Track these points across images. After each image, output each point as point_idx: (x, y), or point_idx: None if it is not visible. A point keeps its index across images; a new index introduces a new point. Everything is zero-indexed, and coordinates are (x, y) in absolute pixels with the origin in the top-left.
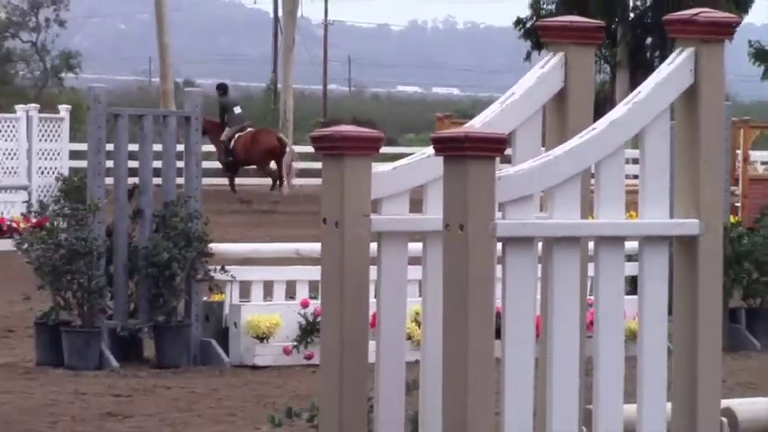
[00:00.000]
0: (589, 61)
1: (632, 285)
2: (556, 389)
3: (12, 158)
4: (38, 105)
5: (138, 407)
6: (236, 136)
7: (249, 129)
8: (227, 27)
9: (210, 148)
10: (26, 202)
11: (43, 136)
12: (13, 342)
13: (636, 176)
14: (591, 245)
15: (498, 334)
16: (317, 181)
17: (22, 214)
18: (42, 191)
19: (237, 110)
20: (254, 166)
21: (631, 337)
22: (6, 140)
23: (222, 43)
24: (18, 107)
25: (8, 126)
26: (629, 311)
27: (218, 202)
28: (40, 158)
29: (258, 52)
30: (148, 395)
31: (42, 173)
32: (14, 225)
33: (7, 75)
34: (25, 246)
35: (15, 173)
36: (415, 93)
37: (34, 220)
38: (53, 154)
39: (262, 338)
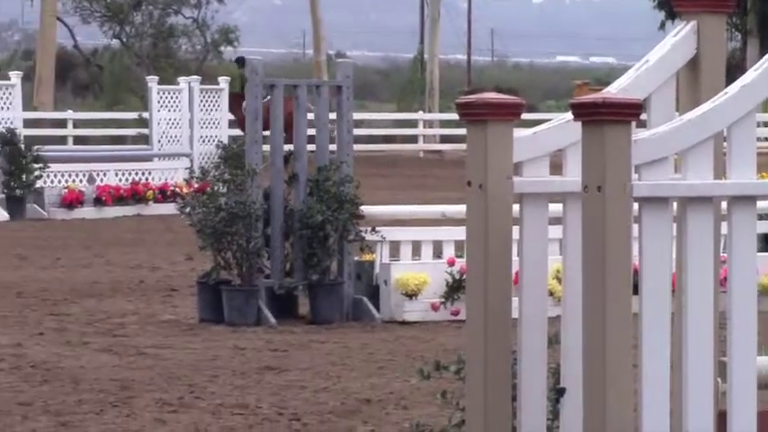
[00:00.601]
0: (721, 29)
1: (764, 242)
2: (691, 342)
3: (175, 127)
4: (199, 77)
5: (294, 361)
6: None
7: (269, 97)
8: (376, 1)
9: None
10: (188, 168)
11: (204, 106)
12: (176, 300)
13: (767, 139)
14: (724, 204)
15: (636, 290)
16: (462, 146)
17: (184, 180)
18: (203, 158)
19: None
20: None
21: (763, 292)
22: (170, 111)
23: (371, 16)
24: (180, 79)
25: (171, 97)
26: (762, 268)
27: (369, 166)
28: (201, 127)
29: (405, 24)
30: (304, 350)
31: (203, 141)
32: (177, 190)
33: (170, 49)
34: (188, 209)
35: (178, 141)
36: (554, 61)
37: (196, 186)
38: (213, 123)
39: (411, 295)
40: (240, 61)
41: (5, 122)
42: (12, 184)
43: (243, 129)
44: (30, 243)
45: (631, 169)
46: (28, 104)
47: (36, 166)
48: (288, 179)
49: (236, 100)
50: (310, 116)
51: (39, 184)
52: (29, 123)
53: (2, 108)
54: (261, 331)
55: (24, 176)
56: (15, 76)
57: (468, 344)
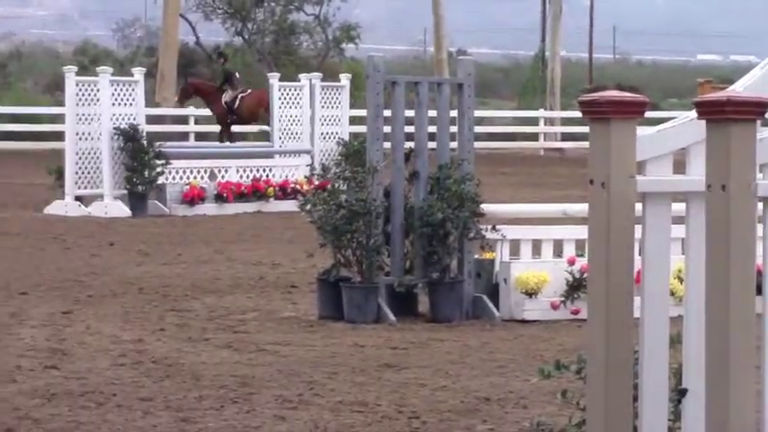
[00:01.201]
0: None
1: None
2: None
3: (296, 124)
4: (320, 74)
5: (414, 358)
6: (240, 97)
7: (249, 90)
8: None
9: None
10: (309, 165)
11: (325, 103)
12: (296, 297)
13: None
14: None
15: (759, 290)
16: (583, 144)
17: (305, 177)
18: (324, 155)
19: (237, 75)
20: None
21: None
22: (291, 107)
23: (492, 13)
24: (302, 76)
25: (293, 94)
26: None
27: (489, 164)
28: (322, 124)
29: (526, 22)
30: (423, 347)
31: (324, 138)
32: (298, 187)
33: (292, 46)
34: (308, 206)
35: (299, 138)
36: (677, 59)
37: (317, 183)
38: (334, 120)
39: (530, 294)
40: (223, 56)
41: (128, 119)
42: (134, 180)
43: (221, 123)
44: (151, 239)
45: (756, 168)
46: (150, 101)
47: (158, 162)
48: (408, 176)
49: (211, 91)
50: (432, 113)
51: (160, 180)
52: (151, 120)
53: (125, 104)
54: (380, 328)
55: (146, 173)
56: (138, 73)
57: (589, 343)
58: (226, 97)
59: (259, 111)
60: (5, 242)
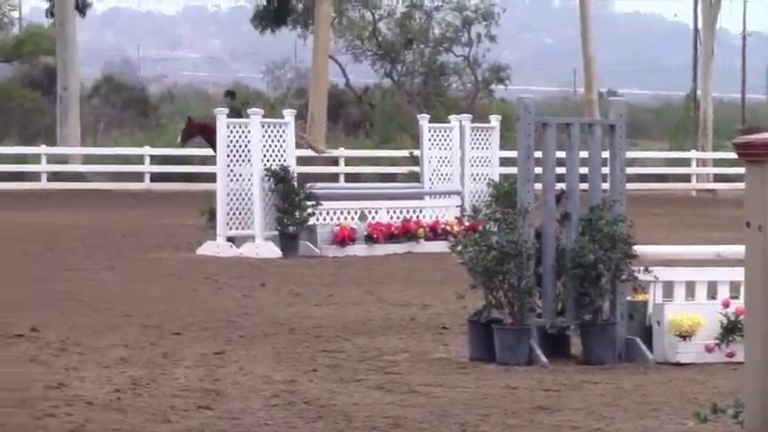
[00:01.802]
0: None
1: None
2: None
3: (446, 165)
4: (470, 115)
5: (567, 401)
6: None
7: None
8: (649, 38)
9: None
10: (459, 206)
11: (475, 144)
12: (447, 338)
13: None
14: None
15: None
16: (736, 186)
17: (456, 218)
18: (474, 196)
19: (243, 114)
20: None
21: None
22: (441, 149)
23: (643, 54)
24: (452, 117)
25: (443, 135)
26: None
27: (641, 205)
28: (472, 165)
29: (678, 62)
30: (576, 390)
31: (474, 179)
32: (448, 228)
33: (441, 87)
34: (459, 247)
35: (449, 179)
36: None
37: (467, 224)
38: (484, 161)
39: (684, 336)
40: (230, 94)
41: (279, 160)
42: (285, 221)
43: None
44: (302, 280)
45: None
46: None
47: (309, 203)
48: (560, 218)
49: (200, 128)
50: (583, 154)
51: (311, 221)
52: (301, 161)
53: (275, 146)
54: (533, 370)
55: (297, 214)
56: (288, 114)
57: (747, 386)
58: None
59: None
60: (159, 283)
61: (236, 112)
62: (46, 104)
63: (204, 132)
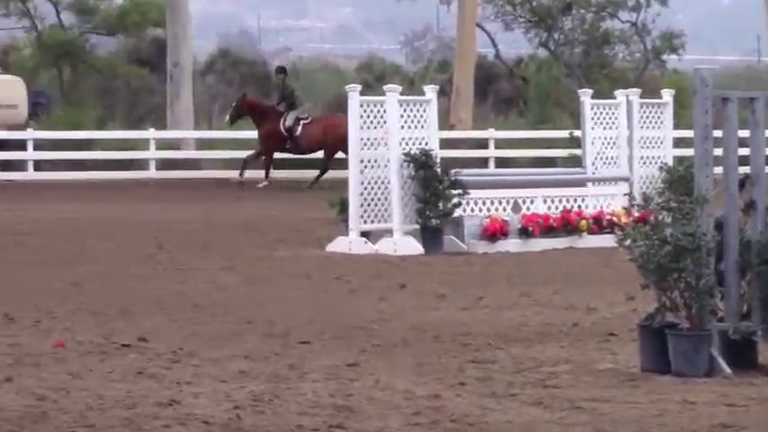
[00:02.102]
0: None
1: None
2: None
3: (611, 147)
4: (638, 90)
5: (755, 418)
6: (302, 123)
7: (309, 117)
8: None
9: None
10: (627, 194)
11: (645, 122)
12: (614, 346)
13: None
14: None
15: None
16: None
17: (623, 208)
18: (644, 182)
19: (296, 93)
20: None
21: None
22: (605, 128)
23: None
24: (617, 92)
25: (607, 113)
26: None
27: None
28: (641, 147)
29: None
30: (765, 405)
31: (644, 162)
32: (615, 219)
33: (605, 58)
34: (628, 242)
35: (615, 163)
36: None
37: (636, 214)
38: (656, 142)
39: None
40: (283, 70)
41: (419, 143)
42: (427, 213)
43: (269, 147)
44: (447, 280)
45: None
46: (444, 122)
47: (454, 192)
48: (744, 207)
49: (268, 111)
50: None
51: (457, 213)
52: (445, 144)
53: (416, 127)
54: (713, 383)
55: (441, 204)
56: (430, 91)
57: None
58: (288, 121)
59: (324, 141)
60: (285, 284)
61: (290, 92)
62: (155, 82)
63: (254, 112)
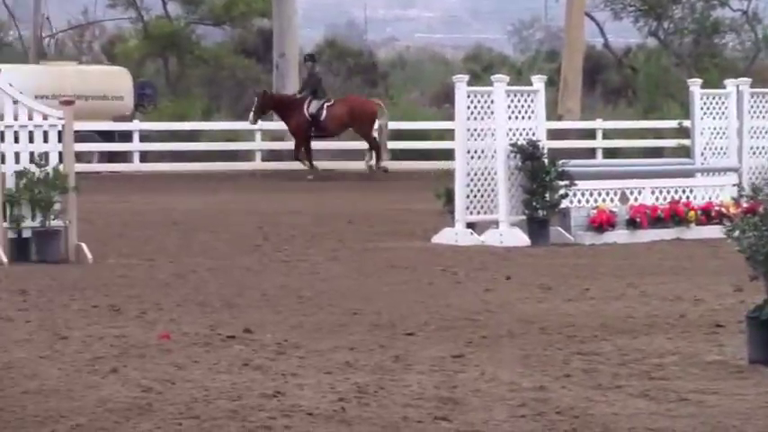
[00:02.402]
0: None
1: None
2: None
3: (720, 137)
4: (749, 79)
5: None
6: (325, 107)
7: (332, 100)
8: None
9: None
10: (737, 185)
11: (755, 113)
12: (722, 338)
13: None
14: None
15: None
16: None
17: (732, 198)
18: (754, 173)
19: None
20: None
21: None
22: (715, 119)
23: None
24: (727, 82)
25: (716, 102)
26: None
27: None
28: (751, 137)
29: None
30: None
31: (754, 153)
32: (724, 210)
33: (715, 47)
34: (736, 233)
35: (725, 153)
36: None
37: (745, 205)
38: (765, 132)
39: None
40: (313, 58)
41: (527, 134)
42: (534, 204)
43: (300, 137)
44: (554, 271)
45: None
46: (552, 113)
47: (561, 183)
48: None
49: (290, 103)
50: None
51: (564, 204)
52: (553, 134)
53: (523, 117)
54: None
55: (548, 195)
56: (538, 81)
57: None
58: (311, 108)
59: (351, 121)
60: (390, 276)
61: (317, 80)
62: (261, 73)
63: (278, 106)
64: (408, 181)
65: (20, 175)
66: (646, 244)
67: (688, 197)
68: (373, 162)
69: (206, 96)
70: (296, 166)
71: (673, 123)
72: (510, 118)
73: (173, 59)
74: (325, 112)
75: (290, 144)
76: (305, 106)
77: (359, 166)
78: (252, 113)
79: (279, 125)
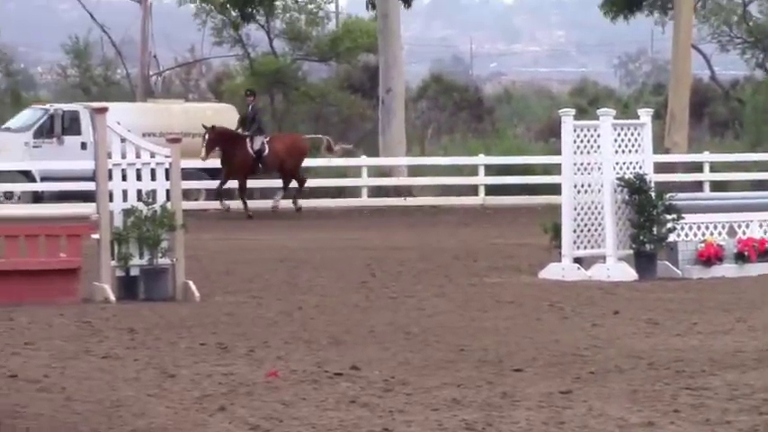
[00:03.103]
0: None
1: None
2: None
3: None
4: None
5: None
6: (266, 143)
7: (267, 136)
8: None
9: None
10: None
11: None
12: None
13: None
14: None
15: None
16: None
17: None
18: None
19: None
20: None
21: None
22: None
23: None
24: None
25: None
26: None
27: None
28: None
29: None
30: None
31: None
32: None
33: None
34: None
35: None
36: None
37: None
38: None
39: None
40: (253, 93)
41: (634, 167)
42: (641, 238)
43: (244, 173)
44: (661, 306)
45: None
46: (658, 146)
47: (668, 217)
48: None
49: (234, 139)
50: None
51: (671, 237)
52: (660, 167)
53: (630, 151)
54: None
55: (655, 229)
56: (645, 114)
57: None
58: (255, 144)
59: (287, 158)
60: (497, 311)
61: (257, 116)
62: (366, 109)
63: (226, 143)
64: (514, 216)
65: (127, 213)
66: (754, 278)
67: None
68: (279, 202)
69: (312, 132)
70: (402, 201)
71: None
72: (617, 152)
73: (279, 96)
74: (267, 149)
75: (397, 180)
76: (248, 143)
77: (465, 201)
78: (203, 149)
79: (386, 161)
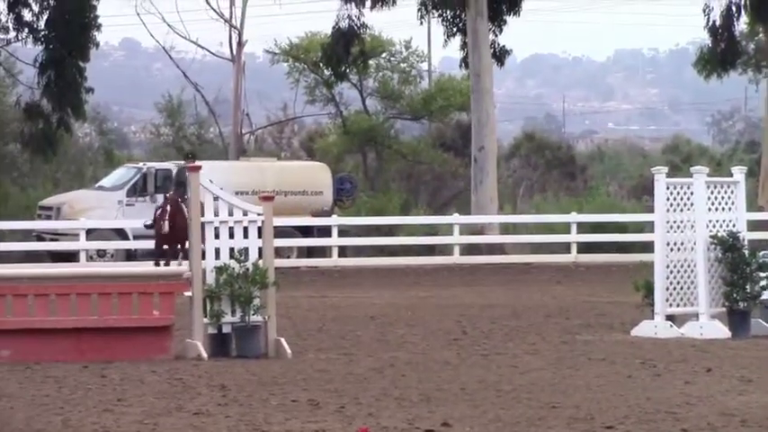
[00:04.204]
0: None
1: None
2: None
3: None
4: None
5: None
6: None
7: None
8: None
9: None
10: None
11: None
12: None
13: None
14: None
15: None
16: None
17: None
18: None
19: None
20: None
21: None
22: None
23: None
24: None
25: None
26: None
27: None
28: None
29: None
30: None
31: None
32: None
33: None
34: None
35: None
36: None
37: None
38: None
39: None
40: (190, 156)
41: (727, 225)
42: (734, 295)
43: (159, 242)
44: (755, 363)
45: None
46: (752, 204)
47: (762, 275)
48: None
49: (183, 205)
50: None
51: (765, 295)
52: (753, 225)
53: (723, 208)
54: None
55: (748, 287)
56: (738, 172)
57: None
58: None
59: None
60: (589, 368)
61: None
62: (459, 167)
63: (177, 209)
64: (606, 273)
65: (220, 270)
66: None
67: None
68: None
69: (404, 190)
70: (494, 259)
71: None
72: (710, 209)
73: (371, 154)
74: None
75: (489, 238)
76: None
77: (557, 259)
78: (165, 222)
79: (478, 218)
